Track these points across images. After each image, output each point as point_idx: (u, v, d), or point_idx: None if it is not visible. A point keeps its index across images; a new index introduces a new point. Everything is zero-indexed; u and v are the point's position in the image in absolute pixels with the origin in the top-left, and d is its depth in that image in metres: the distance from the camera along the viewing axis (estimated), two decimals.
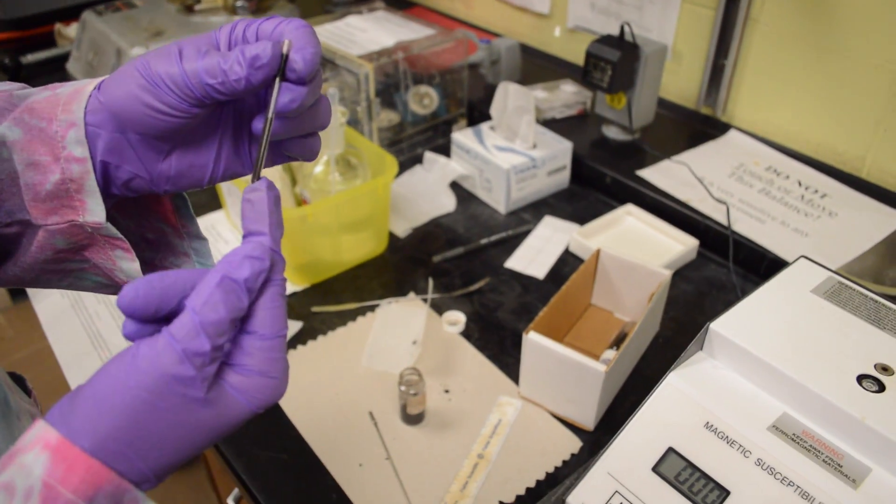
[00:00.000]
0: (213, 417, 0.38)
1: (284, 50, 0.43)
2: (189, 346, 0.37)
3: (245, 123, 0.49)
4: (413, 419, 0.85)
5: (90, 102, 0.45)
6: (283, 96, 0.43)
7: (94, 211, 0.45)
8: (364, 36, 1.35)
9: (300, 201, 1.13)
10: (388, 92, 1.34)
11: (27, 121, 0.45)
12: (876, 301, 0.65)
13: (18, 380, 0.56)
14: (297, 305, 1.04)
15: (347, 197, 1.02)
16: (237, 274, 0.38)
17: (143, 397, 0.36)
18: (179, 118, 0.44)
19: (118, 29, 1.52)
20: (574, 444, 0.84)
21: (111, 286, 0.51)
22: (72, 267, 0.50)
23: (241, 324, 0.40)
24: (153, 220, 0.54)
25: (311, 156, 0.50)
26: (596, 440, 0.84)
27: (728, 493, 0.56)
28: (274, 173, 1.09)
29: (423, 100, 1.38)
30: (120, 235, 0.47)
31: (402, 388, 0.83)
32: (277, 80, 0.43)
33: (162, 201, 0.53)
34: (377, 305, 1.03)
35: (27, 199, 0.45)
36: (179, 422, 0.37)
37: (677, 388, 0.61)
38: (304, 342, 0.97)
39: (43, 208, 0.45)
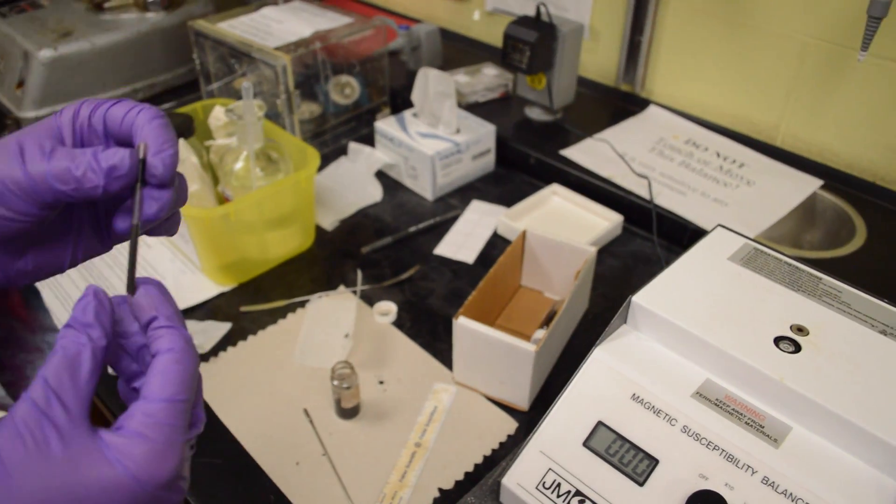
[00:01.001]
0: (79, 474, 0.36)
1: (141, 154, 0.42)
2: (38, 402, 0.36)
3: (101, 209, 0.47)
4: (348, 413, 0.85)
5: None
6: (147, 206, 0.42)
7: None
8: (280, 27, 1.33)
9: (222, 200, 1.11)
10: (308, 83, 1.32)
11: None
12: (790, 264, 0.67)
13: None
14: (224, 306, 1.01)
15: (269, 192, 1.00)
16: (76, 345, 0.38)
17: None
18: (29, 222, 0.41)
19: (24, 31, 1.46)
20: (510, 426, 0.84)
21: None
22: None
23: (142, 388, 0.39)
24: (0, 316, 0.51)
25: (173, 232, 0.48)
26: (531, 420, 0.85)
27: (657, 461, 0.57)
28: (193, 173, 1.06)
29: (345, 90, 1.36)
30: None
31: (335, 382, 0.82)
32: (139, 186, 0.42)
33: (9, 296, 0.50)
34: (307, 301, 1.01)
35: None
36: (35, 478, 0.35)
37: (603, 362, 0.62)
38: (233, 343, 0.95)
39: None
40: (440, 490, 0.77)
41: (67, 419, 0.36)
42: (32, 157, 0.40)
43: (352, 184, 1.26)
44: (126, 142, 0.44)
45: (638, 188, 1.16)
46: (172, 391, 0.39)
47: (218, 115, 1.15)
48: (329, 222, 1.17)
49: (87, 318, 0.39)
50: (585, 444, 0.59)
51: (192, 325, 0.96)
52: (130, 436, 0.37)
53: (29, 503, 0.35)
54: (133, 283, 0.42)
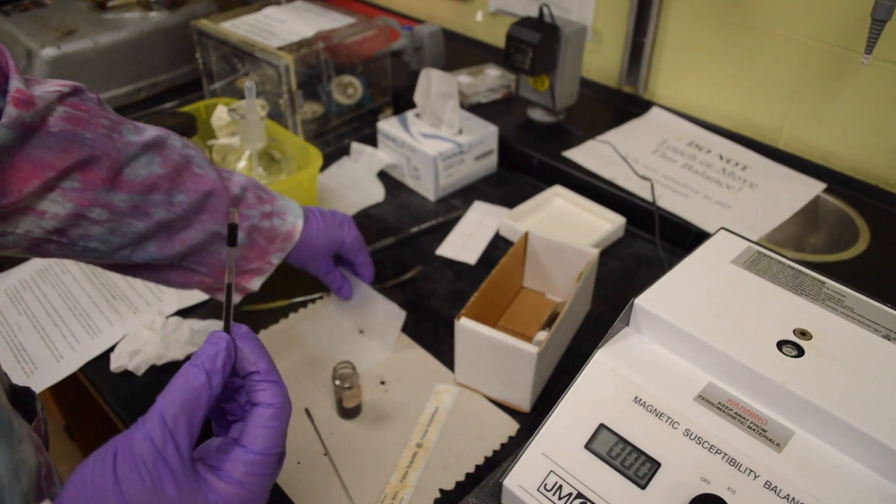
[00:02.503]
0: None
1: (234, 219, 0.53)
2: (154, 440, 0.43)
3: None
4: (349, 413, 0.85)
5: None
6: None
7: (256, 284, 0.84)
8: (283, 27, 1.33)
9: None
10: (311, 83, 1.32)
11: (255, 238, 0.80)
12: (793, 268, 0.67)
13: (30, 396, 0.59)
14: None
15: None
16: (196, 382, 0.45)
17: (120, 481, 0.42)
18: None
19: (27, 29, 1.46)
20: (511, 427, 0.84)
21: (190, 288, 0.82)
22: (188, 288, 0.82)
23: (239, 435, 0.46)
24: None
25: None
26: (533, 421, 0.85)
27: (659, 464, 0.57)
28: None
29: (347, 90, 1.37)
30: (255, 291, 0.86)
31: (337, 382, 0.82)
32: (229, 250, 0.53)
33: None
34: (308, 301, 1.01)
35: (217, 268, 0.79)
36: None
37: (605, 364, 0.62)
38: None
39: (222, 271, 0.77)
40: (441, 491, 0.77)
41: (180, 462, 0.42)
42: (326, 271, 0.93)
43: (354, 184, 1.26)
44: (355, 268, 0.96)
45: (640, 190, 1.16)
46: (270, 445, 0.45)
47: (220, 114, 1.15)
48: None
49: (216, 366, 0.45)
50: (587, 446, 0.59)
51: (194, 324, 0.96)
52: (230, 482, 0.43)
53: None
54: (228, 328, 0.48)
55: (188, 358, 0.91)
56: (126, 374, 0.91)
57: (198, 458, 0.45)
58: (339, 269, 0.95)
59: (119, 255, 0.72)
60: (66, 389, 1.11)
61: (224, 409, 0.51)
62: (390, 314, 0.95)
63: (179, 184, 0.72)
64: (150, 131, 0.72)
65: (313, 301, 1.02)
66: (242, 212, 0.79)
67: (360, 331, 0.96)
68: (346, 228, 0.91)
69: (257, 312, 1.00)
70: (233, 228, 0.52)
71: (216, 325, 0.97)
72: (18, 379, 0.90)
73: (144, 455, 0.42)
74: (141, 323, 0.95)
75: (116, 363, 0.90)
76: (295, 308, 1.01)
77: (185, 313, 1.00)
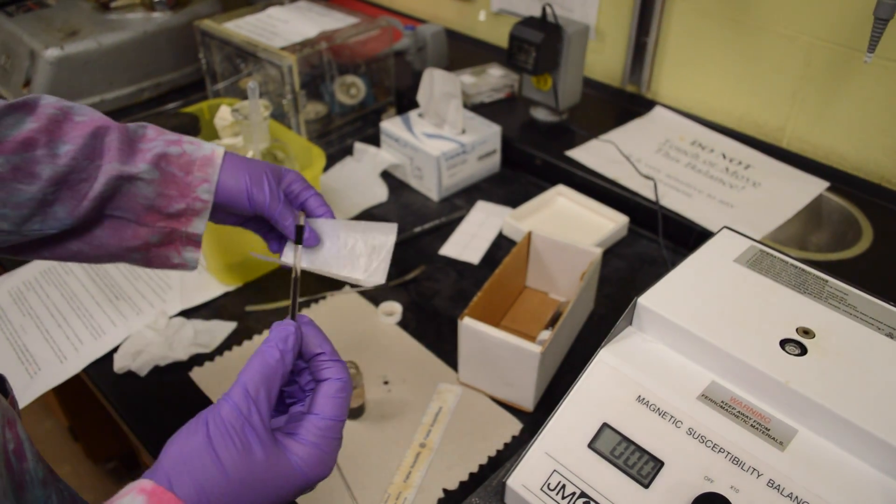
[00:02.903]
0: (271, 472, 0.48)
1: (301, 222, 0.64)
2: (241, 408, 0.48)
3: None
4: (353, 413, 0.85)
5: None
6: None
7: (198, 226, 0.70)
8: (286, 27, 1.33)
9: None
10: (314, 83, 1.32)
11: (164, 168, 0.68)
12: (796, 267, 0.67)
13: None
14: (229, 305, 1.02)
15: None
16: (272, 358, 0.51)
17: (208, 458, 0.47)
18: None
19: (31, 30, 1.47)
20: (515, 427, 0.84)
21: (147, 263, 0.72)
22: (137, 256, 0.71)
23: (308, 407, 0.52)
24: None
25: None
26: (536, 421, 0.85)
27: (662, 463, 0.57)
28: None
29: (350, 90, 1.37)
30: (200, 239, 0.71)
31: None
32: (297, 248, 0.63)
33: None
34: (312, 301, 1.02)
35: (142, 212, 0.68)
36: (243, 473, 0.47)
37: (609, 364, 0.62)
38: (238, 342, 0.96)
39: (158, 218, 0.68)
40: (445, 491, 0.77)
41: (263, 427, 0.49)
42: (273, 198, 0.70)
43: (357, 184, 1.27)
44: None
45: (643, 189, 1.16)
46: (338, 412, 0.52)
47: (224, 114, 1.15)
48: None
49: (288, 346, 0.52)
50: (590, 445, 0.59)
51: (197, 325, 0.96)
52: (307, 445, 0.50)
53: (238, 491, 0.47)
54: (294, 316, 0.55)
55: (191, 359, 0.92)
56: (129, 375, 0.91)
57: (273, 428, 0.51)
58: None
59: (29, 230, 0.67)
60: (70, 391, 1.12)
61: (283, 392, 0.57)
62: (377, 236, 0.74)
63: (60, 135, 0.66)
64: (20, 99, 0.67)
65: (316, 301, 1.02)
66: (142, 146, 0.69)
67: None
68: (285, 168, 0.76)
69: (260, 312, 1.00)
70: (300, 230, 0.61)
71: (220, 325, 0.97)
72: (22, 380, 0.91)
73: (234, 422, 0.48)
74: (144, 324, 0.95)
75: (120, 364, 0.90)
76: (298, 308, 1.00)
77: (188, 314, 1.00)
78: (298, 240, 0.62)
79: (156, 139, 0.70)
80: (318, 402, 0.52)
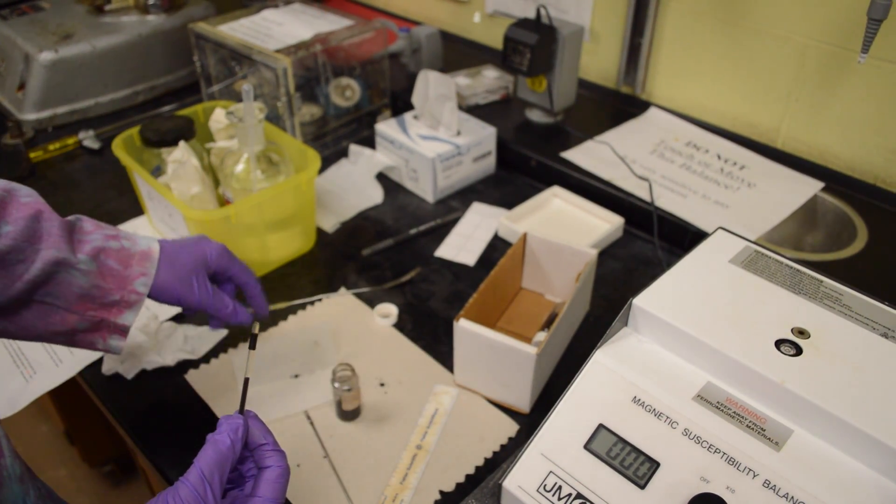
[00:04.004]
0: None
1: (255, 331, 0.66)
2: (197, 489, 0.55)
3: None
4: (349, 415, 0.85)
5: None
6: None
7: (128, 318, 0.74)
8: (281, 29, 1.33)
9: (223, 202, 1.11)
10: (309, 86, 1.32)
11: (103, 260, 0.72)
12: (791, 267, 0.67)
13: None
14: None
15: (270, 194, 1.00)
16: (223, 445, 0.58)
17: None
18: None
19: (25, 33, 1.46)
20: (511, 428, 0.84)
21: (70, 345, 0.74)
22: (61, 340, 0.72)
23: (252, 490, 0.58)
24: None
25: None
26: (532, 422, 0.85)
27: (658, 464, 0.57)
28: (194, 175, 1.06)
29: (345, 92, 1.37)
30: (129, 330, 0.74)
31: (336, 384, 0.82)
32: (250, 353, 0.65)
33: None
34: (308, 304, 1.01)
35: (74, 301, 0.70)
36: None
37: (604, 365, 0.62)
38: (234, 345, 0.95)
39: (90, 307, 0.71)
40: (441, 492, 0.77)
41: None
42: (204, 296, 0.79)
43: (352, 186, 1.26)
44: (236, 282, 0.85)
45: (639, 190, 1.16)
46: (279, 496, 0.58)
47: (218, 117, 1.15)
48: (330, 224, 1.17)
49: (238, 436, 0.58)
50: (586, 446, 0.59)
51: (188, 330, 0.96)
52: None
53: None
54: (242, 410, 0.61)
55: (178, 364, 0.91)
56: (124, 379, 0.91)
57: None
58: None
59: None
60: (66, 394, 1.11)
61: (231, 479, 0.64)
62: None
63: (4, 215, 0.68)
64: None
65: (312, 303, 1.02)
66: (80, 237, 0.72)
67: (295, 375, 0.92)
68: (207, 242, 0.82)
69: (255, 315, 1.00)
70: (253, 338, 0.65)
71: (210, 333, 0.96)
72: (18, 384, 0.90)
73: (191, 501, 0.54)
74: (135, 326, 0.95)
75: (108, 366, 0.90)
76: (294, 310, 1.01)
77: (182, 317, 1.00)
78: (252, 345, 0.65)
79: (93, 232, 0.73)
80: (262, 486, 0.58)
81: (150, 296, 0.76)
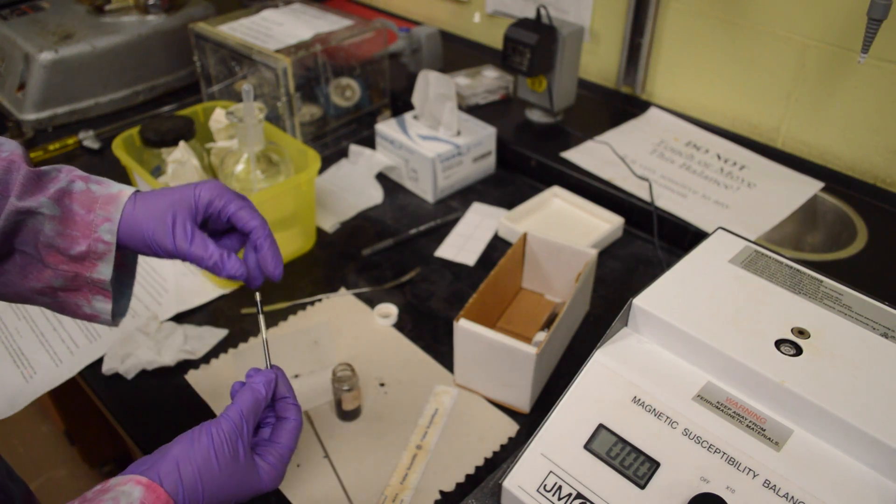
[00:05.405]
0: (245, 477, 0.61)
1: (257, 297, 0.70)
2: (236, 424, 0.61)
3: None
4: (349, 415, 0.85)
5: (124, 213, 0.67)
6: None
7: (103, 272, 0.67)
8: (281, 30, 1.33)
9: None
10: (309, 86, 1.32)
11: (67, 204, 0.66)
12: (791, 267, 0.67)
13: None
14: (225, 309, 1.01)
15: (270, 194, 1.00)
16: (259, 394, 0.64)
17: (209, 457, 0.59)
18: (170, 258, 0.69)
19: (25, 33, 1.46)
20: (511, 428, 0.84)
21: (60, 310, 0.71)
22: (46, 300, 0.69)
23: (271, 436, 0.65)
24: None
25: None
26: (533, 422, 0.85)
27: (658, 464, 0.57)
28: (194, 175, 1.06)
29: (345, 92, 1.37)
30: (110, 288, 0.68)
31: (336, 384, 0.82)
32: (261, 317, 0.70)
33: None
34: (308, 303, 1.01)
35: (45, 251, 0.66)
36: (227, 473, 0.60)
37: (604, 365, 0.62)
38: (234, 345, 0.95)
39: (61, 260, 0.66)
40: (441, 492, 0.77)
41: (248, 441, 0.62)
42: (180, 238, 0.66)
43: (352, 186, 1.27)
44: (242, 231, 0.70)
45: (639, 190, 1.16)
46: (293, 444, 0.65)
47: (218, 117, 1.15)
48: (330, 224, 1.17)
49: (270, 388, 0.64)
50: (586, 446, 0.59)
51: (189, 330, 0.96)
52: (270, 464, 0.62)
53: (220, 483, 0.59)
54: (270, 366, 0.68)
55: (179, 365, 0.91)
56: (125, 379, 0.91)
57: None
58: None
59: None
60: (66, 394, 1.12)
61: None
62: None
63: None
64: None
65: (312, 303, 1.02)
66: (48, 184, 0.67)
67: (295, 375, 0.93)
68: (198, 183, 0.70)
69: (257, 315, 1.00)
70: (258, 303, 0.70)
71: (211, 331, 0.96)
72: (18, 384, 0.90)
73: (231, 434, 0.60)
74: (135, 326, 0.95)
75: (108, 366, 0.90)
76: (294, 311, 1.01)
77: (183, 317, 1.00)
78: (259, 309, 0.70)
79: (59, 177, 0.68)
80: (282, 434, 0.64)
81: (120, 242, 0.67)
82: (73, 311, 0.70)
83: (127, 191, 0.68)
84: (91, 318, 0.71)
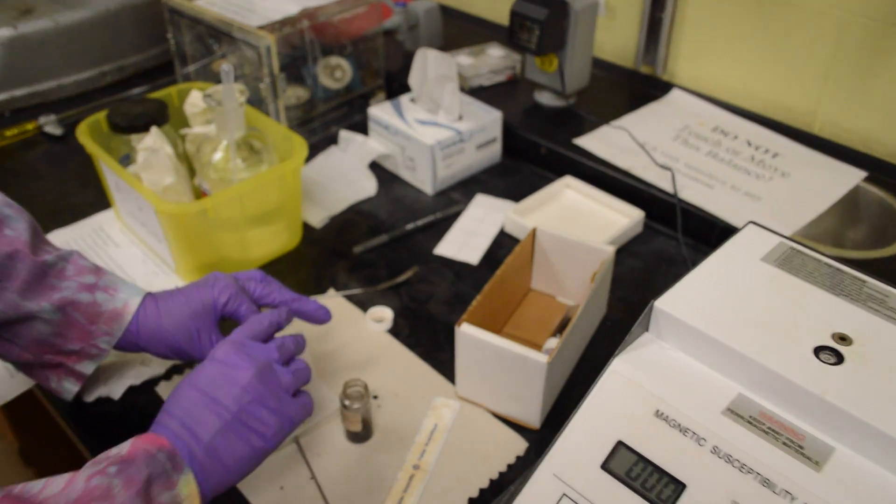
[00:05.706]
0: (283, 408, 0.69)
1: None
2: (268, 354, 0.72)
3: None
4: (358, 437, 0.83)
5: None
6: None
7: (87, 368, 0.77)
8: (264, 4, 1.32)
9: (199, 194, 1.10)
10: (295, 66, 1.32)
11: (69, 312, 0.74)
12: (831, 266, 0.66)
13: None
14: None
15: (252, 186, 0.99)
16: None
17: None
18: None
19: None
20: (519, 446, 0.84)
21: (25, 372, 0.79)
22: (14, 364, 0.77)
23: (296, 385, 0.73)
24: None
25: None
26: (543, 439, 0.84)
27: (684, 486, 0.56)
28: (167, 164, 1.06)
29: (335, 72, 1.36)
30: (86, 377, 0.78)
31: (346, 402, 0.81)
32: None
33: None
34: None
35: (32, 344, 0.73)
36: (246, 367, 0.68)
37: (623, 374, 0.61)
38: None
39: (48, 351, 0.74)
40: None
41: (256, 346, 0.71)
42: (207, 348, 0.79)
43: (343, 176, 1.26)
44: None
45: (660, 181, 1.16)
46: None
47: (195, 100, 1.15)
48: (318, 219, 1.17)
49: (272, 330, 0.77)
50: (604, 466, 0.59)
51: None
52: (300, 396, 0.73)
53: (234, 374, 0.67)
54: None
55: (167, 371, 0.91)
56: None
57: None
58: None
59: None
60: (21, 408, 1.11)
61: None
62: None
63: None
64: None
65: None
66: (55, 283, 0.74)
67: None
68: (213, 284, 0.81)
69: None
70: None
71: None
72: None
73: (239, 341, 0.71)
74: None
75: (88, 393, 0.88)
76: None
77: None
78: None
79: (70, 279, 0.75)
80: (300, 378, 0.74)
81: (140, 345, 0.79)
82: (38, 380, 0.78)
83: (133, 302, 0.78)
84: (54, 391, 0.78)
